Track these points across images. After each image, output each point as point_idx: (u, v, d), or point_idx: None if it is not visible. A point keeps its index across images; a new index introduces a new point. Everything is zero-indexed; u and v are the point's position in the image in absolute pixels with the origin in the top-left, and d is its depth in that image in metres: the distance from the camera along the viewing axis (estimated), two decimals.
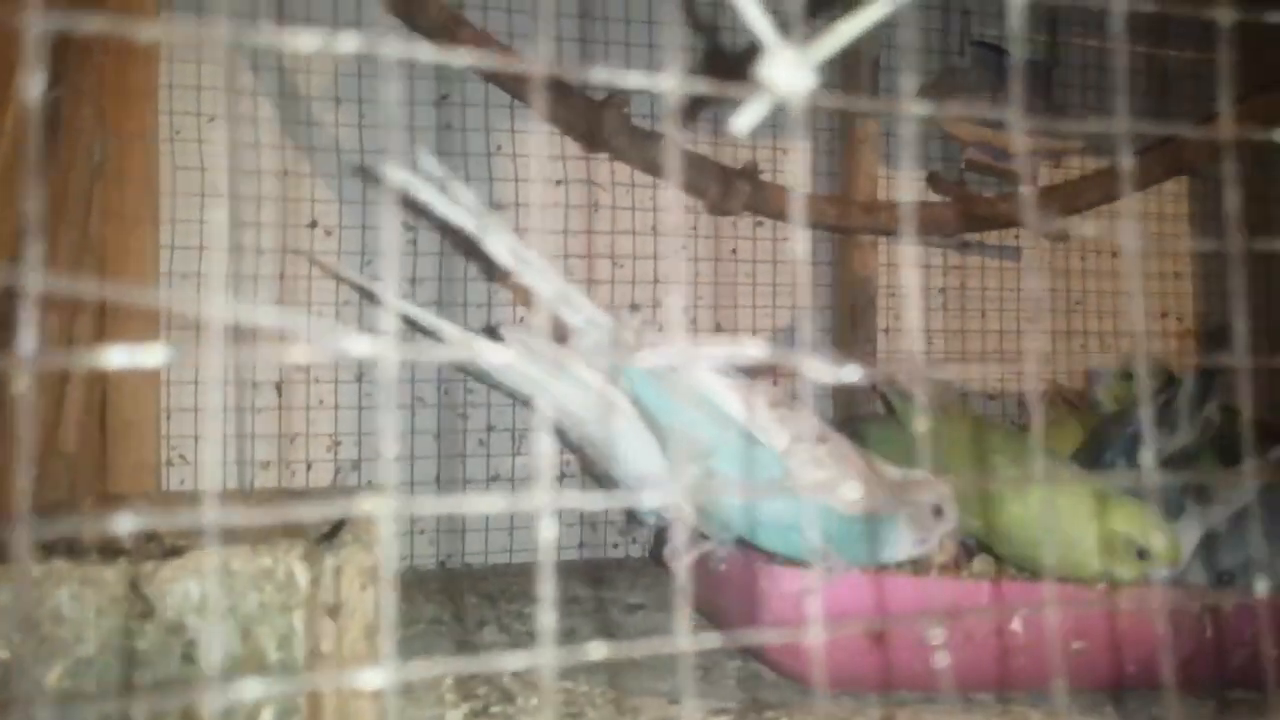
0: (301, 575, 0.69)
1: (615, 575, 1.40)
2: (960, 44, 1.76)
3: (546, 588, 0.33)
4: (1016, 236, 1.80)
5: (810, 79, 0.40)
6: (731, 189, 1.26)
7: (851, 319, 1.69)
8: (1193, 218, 1.96)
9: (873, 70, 1.67)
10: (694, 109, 1.34)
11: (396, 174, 0.74)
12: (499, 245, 0.79)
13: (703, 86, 0.41)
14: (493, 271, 0.80)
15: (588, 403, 0.90)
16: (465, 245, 0.83)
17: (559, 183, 1.61)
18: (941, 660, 0.79)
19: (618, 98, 1.26)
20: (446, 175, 0.76)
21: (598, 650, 0.35)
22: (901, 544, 0.93)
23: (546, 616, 0.34)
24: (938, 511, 0.96)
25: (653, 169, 1.36)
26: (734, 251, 1.69)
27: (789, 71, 0.40)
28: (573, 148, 1.57)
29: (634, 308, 1.62)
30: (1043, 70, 1.79)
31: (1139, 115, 0.43)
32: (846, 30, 0.40)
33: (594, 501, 0.38)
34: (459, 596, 1.28)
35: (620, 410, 0.89)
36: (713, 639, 0.30)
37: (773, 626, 0.83)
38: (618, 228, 1.62)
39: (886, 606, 0.83)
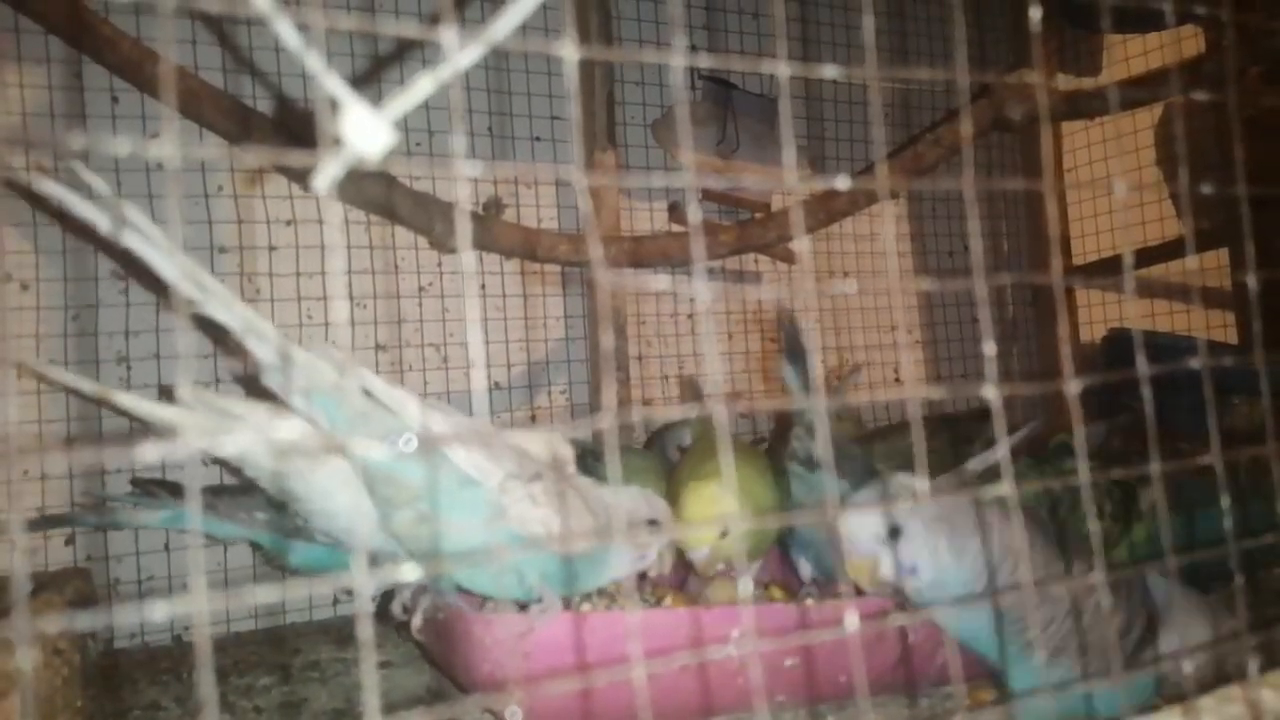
0: None
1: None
2: (690, 78, 1.83)
3: None
4: (756, 261, 1.88)
5: (387, 136, 0.39)
6: (456, 228, 1.24)
7: (605, 348, 1.71)
8: (912, 237, 2.12)
9: (608, 104, 1.70)
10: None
11: (48, 186, 0.66)
12: (171, 269, 0.72)
13: (271, 156, 0.39)
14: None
15: (280, 454, 0.84)
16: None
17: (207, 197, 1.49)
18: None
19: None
20: (107, 189, 0.67)
21: None
22: (620, 564, 0.94)
23: None
24: (653, 524, 0.97)
25: (365, 205, 1.32)
26: (483, 288, 1.67)
27: (363, 129, 0.38)
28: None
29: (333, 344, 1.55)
30: (768, 103, 1.89)
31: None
32: (423, 86, 0.39)
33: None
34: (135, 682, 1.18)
35: (319, 460, 0.84)
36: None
37: (492, 674, 0.81)
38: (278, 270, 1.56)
39: (591, 643, 0.83)
